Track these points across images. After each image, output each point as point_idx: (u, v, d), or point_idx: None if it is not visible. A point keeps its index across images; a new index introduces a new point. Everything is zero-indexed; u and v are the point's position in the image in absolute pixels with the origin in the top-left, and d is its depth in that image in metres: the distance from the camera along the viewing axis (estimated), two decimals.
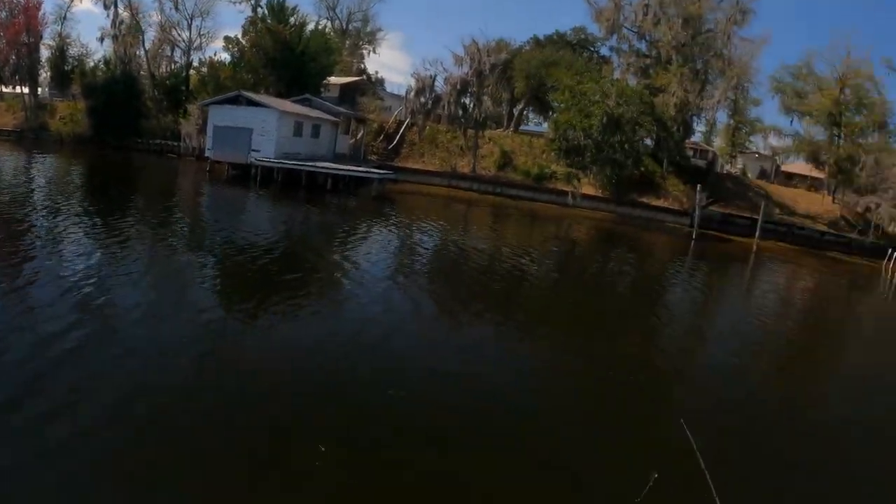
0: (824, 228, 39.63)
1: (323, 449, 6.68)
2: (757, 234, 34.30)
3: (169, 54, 51.91)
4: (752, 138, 50.16)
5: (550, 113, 46.00)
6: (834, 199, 42.68)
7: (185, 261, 15.18)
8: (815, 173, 48.15)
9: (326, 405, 8.04)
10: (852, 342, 20.24)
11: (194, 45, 50.84)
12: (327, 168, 32.57)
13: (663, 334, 15.00)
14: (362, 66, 67.71)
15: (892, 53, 76.26)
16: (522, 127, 51.79)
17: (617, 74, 43.88)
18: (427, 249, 20.58)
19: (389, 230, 23.42)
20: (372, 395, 8.34)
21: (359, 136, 43.19)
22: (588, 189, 36.88)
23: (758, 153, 55.76)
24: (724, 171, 47.81)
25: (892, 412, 12.33)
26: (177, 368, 8.49)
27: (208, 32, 51.62)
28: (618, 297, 18.67)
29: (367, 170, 34.78)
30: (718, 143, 54.25)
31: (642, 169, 37.57)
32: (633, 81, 42.63)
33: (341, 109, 41.44)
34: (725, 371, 12.57)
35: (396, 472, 6.74)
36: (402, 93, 46.77)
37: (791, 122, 44.49)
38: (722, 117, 47.55)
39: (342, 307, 12.47)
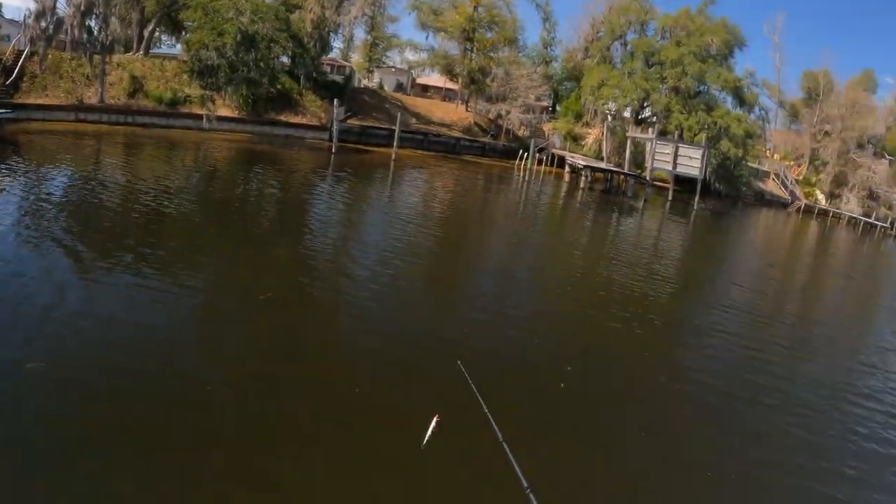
0: (459, 135, 52.48)
1: None
2: (395, 143, 44.19)
3: None
4: (388, 53, 62.62)
5: (183, 33, 50.65)
6: (467, 107, 55.94)
7: None
8: (450, 85, 62.00)
9: None
10: (500, 220, 31.15)
11: None
12: None
13: (322, 249, 18.88)
14: None
15: None
16: (154, 50, 55.48)
17: None
18: (58, 194, 20.98)
19: (13, 179, 22.93)
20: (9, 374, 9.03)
21: None
22: (225, 111, 43.07)
23: (394, 67, 68.88)
24: (362, 86, 58.54)
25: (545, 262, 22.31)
26: None
27: None
28: (268, 218, 22.36)
29: None
30: (356, 58, 65.09)
31: (279, 87, 45.21)
32: None
33: None
34: (388, 275, 16.71)
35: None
36: (21, 18, 46.75)
37: (427, 37, 57.37)
38: (360, 33, 58.21)
39: None
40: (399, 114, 46.56)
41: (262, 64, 43.56)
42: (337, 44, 60.66)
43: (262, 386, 9.71)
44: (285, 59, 47.12)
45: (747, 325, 18.89)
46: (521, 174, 50.47)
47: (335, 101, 44.11)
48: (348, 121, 46.65)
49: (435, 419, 5.28)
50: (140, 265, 13.98)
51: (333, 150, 42.24)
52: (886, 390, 15.01)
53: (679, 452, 10.10)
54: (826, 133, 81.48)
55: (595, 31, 67.49)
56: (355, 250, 19.35)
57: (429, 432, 5.26)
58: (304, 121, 45.78)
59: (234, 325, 12.05)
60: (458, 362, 6.53)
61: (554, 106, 72.43)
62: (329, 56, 58.48)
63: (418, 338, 12.89)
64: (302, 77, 47.23)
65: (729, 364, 14.83)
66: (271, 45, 44.34)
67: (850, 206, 78.39)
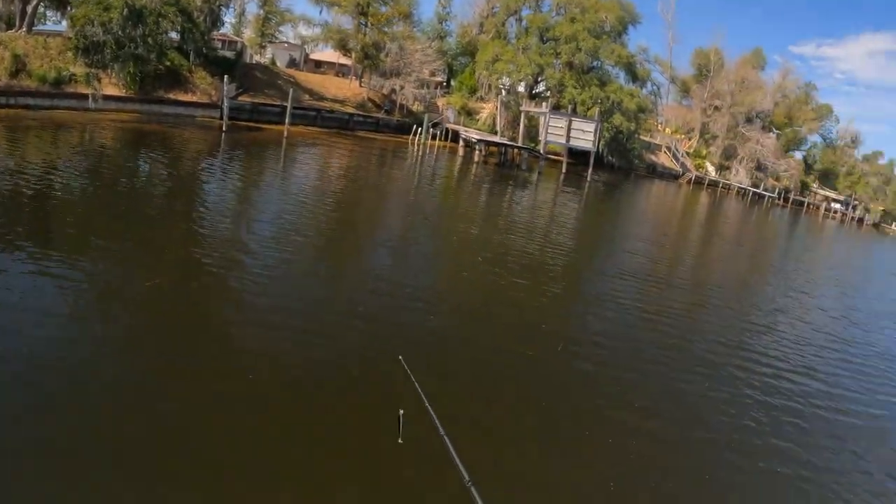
0: (353, 111, 55.69)
1: None
2: (287, 120, 46.72)
3: None
4: (281, 28, 64.81)
5: (68, 8, 51.42)
6: (361, 83, 59.06)
7: None
8: (343, 60, 65.07)
9: None
10: (395, 196, 33.32)
11: None
12: None
13: (214, 230, 18.97)
14: None
15: None
16: (38, 26, 55.72)
17: None
18: None
19: None
20: None
21: None
22: (112, 89, 44.71)
23: (287, 43, 71.10)
24: (254, 62, 60.89)
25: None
26: None
27: None
28: (158, 201, 22.55)
29: None
30: (248, 33, 67.21)
31: (168, 63, 46.95)
32: None
33: None
34: (286, 253, 17.53)
35: None
36: None
37: (320, 11, 59.98)
38: (252, 8, 60.16)
39: None
40: (291, 90, 49.10)
41: (149, 40, 44.92)
42: (229, 18, 62.66)
43: (153, 384, 9.72)
44: (174, 35, 48.62)
45: (644, 291, 20.99)
46: (416, 149, 53.98)
47: (225, 77, 46.09)
48: (239, 98, 49.01)
49: (401, 412, 5.49)
50: (27, 253, 13.86)
51: (224, 129, 43.84)
52: (776, 348, 17.28)
53: (605, 424, 11.02)
54: (716, 108, 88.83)
55: (490, 6, 71.87)
56: (249, 231, 19.59)
57: (400, 427, 5.46)
58: (195, 98, 47.67)
59: (119, 315, 11.88)
60: (400, 357, 6.61)
61: (448, 81, 76.87)
62: (221, 31, 60.36)
63: (326, 319, 13.31)
64: (192, 53, 48.94)
65: (629, 329, 16.41)
66: (159, 19, 45.80)
67: (740, 177, 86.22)
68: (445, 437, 4.90)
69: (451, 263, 20.78)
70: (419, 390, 5.60)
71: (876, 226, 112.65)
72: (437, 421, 5.10)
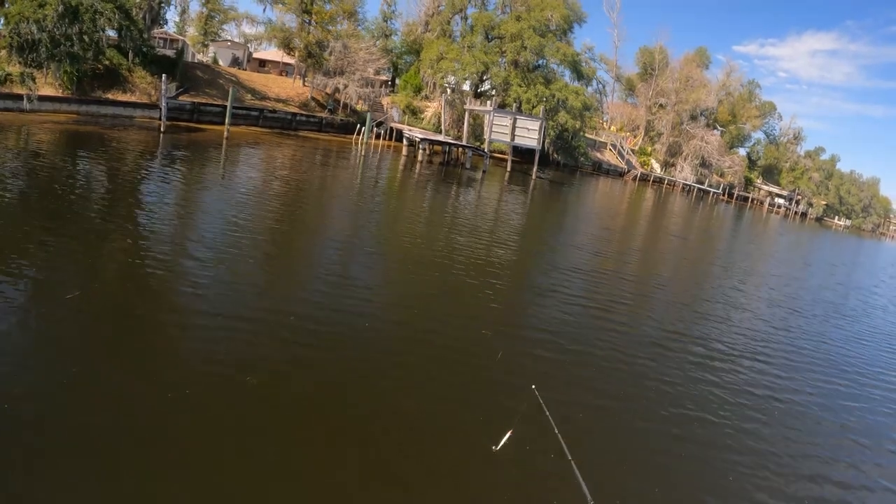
0: (296, 110, 56.66)
1: None
2: (227, 120, 47.32)
3: None
4: (225, 26, 65.17)
5: (2, 5, 51.25)
6: (304, 82, 59.96)
7: None
8: (287, 59, 65.93)
9: None
10: (339, 198, 33.43)
11: None
12: None
13: (150, 237, 18.63)
14: None
15: None
16: None
17: None
18: None
19: None
20: None
21: None
22: (48, 89, 45.02)
23: (230, 41, 71.63)
24: (196, 61, 61.35)
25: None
26: None
27: None
28: (91, 206, 21.97)
29: None
30: (191, 31, 67.56)
31: (106, 62, 47.23)
32: None
33: None
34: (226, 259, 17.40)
35: None
36: None
37: (264, 9, 60.56)
38: (195, 5, 60.65)
39: None
40: (232, 89, 49.65)
41: (86, 38, 45.02)
42: (171, 16, 62.90)
43: (66, 396, 9.42)
44: (112, 33, 48.77)
45: (592, 285, 21.98)
46: (359, 149, 55.06)
47: (164, 76, 46.15)
48: (180, 97, 49.55)
49: (510, 433, 5.86)
50: None
51: (163, 130, 44.05)
52: (721, 338, 18.36)
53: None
54: (661, 106, 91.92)
55: (436, 4, 73.51)
56: (184, 242, 18.82)
57: (503, 441, 5.84)
58: (134, 98, 48.18)
59: (24, 335, 11.07)
60: (533, 386, 6.98)
61: (393, 80, 78.23)
62: (162, 29, 60.57)
63: (266, 328, 12.95)
64: (131, 52, 49.27)
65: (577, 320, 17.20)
66: (96, 16, 45.85)
67: (684, 174, 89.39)
68: (573, 462, 5.34)
69: (396, 266, 20.84)
70: (551, 421, 6.01)
71: (819, 220, 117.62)
72: (563, 443, 5.58)
